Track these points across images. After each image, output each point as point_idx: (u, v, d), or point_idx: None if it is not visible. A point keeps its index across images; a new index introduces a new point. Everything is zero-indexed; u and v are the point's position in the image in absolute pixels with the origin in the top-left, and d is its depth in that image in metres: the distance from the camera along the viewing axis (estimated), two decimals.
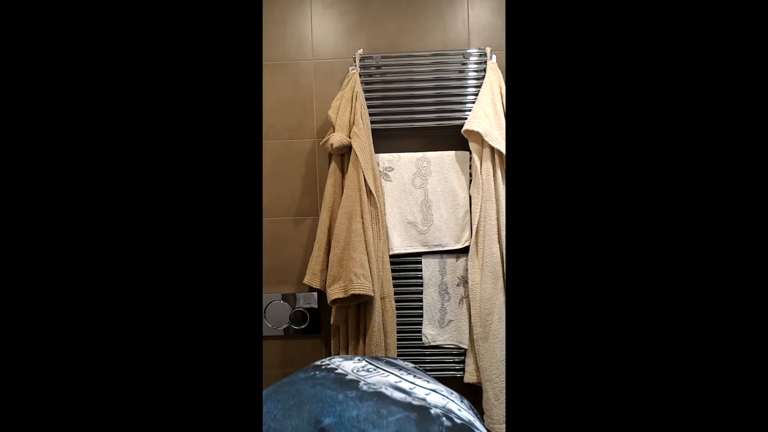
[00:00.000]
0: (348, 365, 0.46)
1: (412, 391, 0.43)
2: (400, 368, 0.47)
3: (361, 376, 0.44)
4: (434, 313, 1.36)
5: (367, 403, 0.40)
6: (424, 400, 0.42)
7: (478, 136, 1.27)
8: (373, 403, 0.40)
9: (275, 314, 1.41)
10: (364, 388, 0.42)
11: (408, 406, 0.40)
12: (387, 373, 0.45)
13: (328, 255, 1.29)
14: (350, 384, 0.43)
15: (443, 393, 0.44)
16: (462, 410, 0.42)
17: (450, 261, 1.35)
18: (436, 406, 0.41)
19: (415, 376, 0.46)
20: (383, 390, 0.42)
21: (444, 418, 0.40)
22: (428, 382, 0.46)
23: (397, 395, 0.42)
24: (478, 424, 0.42)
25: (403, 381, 0.44)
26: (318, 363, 0.49)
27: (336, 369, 0.46)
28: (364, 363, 0.47)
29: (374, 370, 0.46)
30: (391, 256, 1.34)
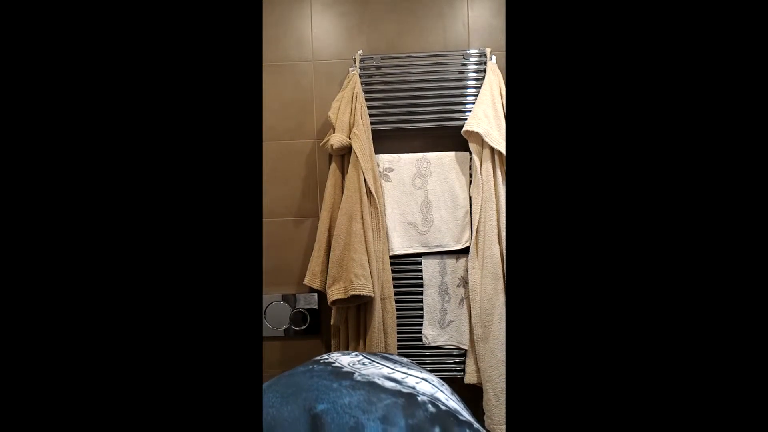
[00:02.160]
0: (345, 359, 0.48)
1: (404, 380, 0.45)
2: (395, 362, 0.49)
3: (357, 368, 0.46)
4: (434, 314, 1.36)
5: (359, 392, 0.42)
6: (413, 388, 0.44)
7: (478, 137, 1.27)
8: (364, 391, 0.43)
9: (275, 315, 1.41)
10: (358, 378, 0.44)
11: (397, 393, 0.43)
12: (381, 366, 0.47)
13: (329, 256, 1.29)
14: (345, 375, 0.45)
15: (434, 383, 0.46)
16: (449, 400, 0.44)
17: (450, 262, 1.35)
18: (423, 394, 0.43)
19: (408, 368, 0.48)
20: (375, 380, 0.44)
21: (430, 405, 0.42)
22: (421, 372, 0.48)
23: (388, 384, 0.44)
24: (464, 412, 0.44)
25: (396, 372, 0.46)
26: (317, 358, 0.51)
27: (333, 363, 0.48)
28: (360, 357, 0.49)
29: (369, 363, 0.48)
30: (392, 257, 1.34)
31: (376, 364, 0.48)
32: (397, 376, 0.46)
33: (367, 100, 1.33)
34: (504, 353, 1.27)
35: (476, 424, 0.44)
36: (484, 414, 1.28)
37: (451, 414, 0.43)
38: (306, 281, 1.32)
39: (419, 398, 0.43)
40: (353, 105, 1.29)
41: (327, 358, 0.50)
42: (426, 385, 0.45)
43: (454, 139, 1.34)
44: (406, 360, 0.53)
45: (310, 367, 0.48)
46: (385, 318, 1.29)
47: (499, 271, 1.27)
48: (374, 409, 0.41)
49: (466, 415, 0.44)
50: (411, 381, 0.45)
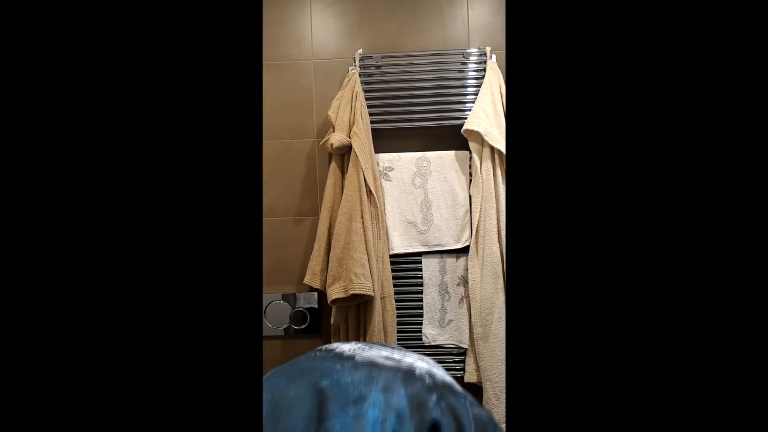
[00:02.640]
0: (345, 346, 0.52)
1: (402, 359, 0.49)
2: (393, 348, 0.53)
3: (357, 352, 0.50)
4: (434, 313, 1.36)
5: (360, 371, 0.45)
6: (411, 365, 0.47)
7: (478, 136, 1.27)
8: (365, 370, 0.46)
9: (275, 314, 1.41)
10: (359, 359, 0.48)
11: (395, 369, 0.46)
12: (380, 350, 0.51)
13: (329, 255, 1.30)
14: (347, 358, 0.48)
15: (429, 362, 0.50)
16: (444, 376, 0.48)
17: (450, 261, 1.35)
18: (420, 369, 0.47)
19: (406, 352, 0.52)
20: (375, 359, 0.48)
21: (427, 377, 0.46)
22: (417, 354, 0.52)
23: (388, 362, 0.47)
24: (458, 387, 0.48)
25: (395, 354, 0.50)
26: (319, 347, 0.55)
27: (335, 349, 0.51)
28: (360, 345, 0.53)
29: (369, 348, 0.51)
30: (391, 256, 1.34)
31: (375, 349, 0.51)
32: (396, 356, 0.49)
33: (367, 99, 1.32)
34: (504, 352, 1.27)
35: (470, 396, 0.46)
36: None
37: (447, 385, 0.46)
38: (306, 280, 1.32)
39: (417, 372, 0.46)
40: (353, 104, 1.29)
41: (328, 346, 0.53)
42: (422, 362, 0.49)
43: (454, 138, 1.34)
44: (403, 349, 0.57)
45: (313, 354, 0.51)
46: (385, 317, 1.30)
47: (498, 270, 1.27)
48: (375, 382, 0.44)
49: (459, 388, 0.48)
50: (409, 359, 0.48)
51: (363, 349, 0.51)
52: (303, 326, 1.41)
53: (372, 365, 0.47)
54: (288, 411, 0.43)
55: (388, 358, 0.49)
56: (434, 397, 0.44)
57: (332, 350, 0.51)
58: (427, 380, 0.45)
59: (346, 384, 0.44)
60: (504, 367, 1.27)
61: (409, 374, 0.46)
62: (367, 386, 0.44)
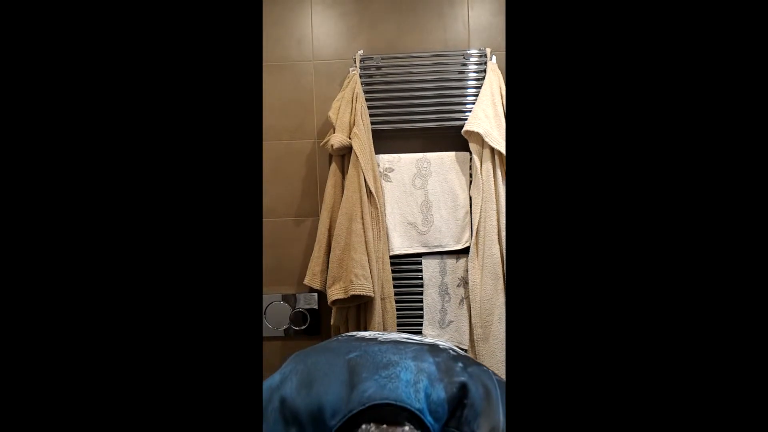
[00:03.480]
0: (365, 332, 0.57)
1: (423, 339, 0.53)
2: (410, 334, 0.59)
3: (377, 335, 0.54)
4: (434, 314, 1.36)
5: (386, 345, 0.50)
6: (433, 342, 0.53)
7: (479, 137, 1.27)
8: (391, 344, 0.50)
9: (275, 315, 1.41)
10: (382, 339, 0.52)
11: (420, 344, 0.51)
12: (399, 334, 0.56)
13: (329, 256, 1.30)
14: (369, 340, 0.52)
15: (448, 342, 0.55)
16: (464, 352, 0.54)
17: (450, 262, 1.35)
18: (444, 344, 0.52)
19: (423, 336, 0.59)
20: (398, 339, 0.52)
21: (451, 350, 0.51)
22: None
23: (411, 341, 0.52)
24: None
25: (414, 336, 0.55)
26: (339, 334, 0.60)
27: (355, 334, 0.55)
28: (377, 332, 0.57)
29: (388, 333, 0.56)
30: (392, 257, 1.34)
31: (394, 334, 0.55)
32: (416, 338, 0.54)
33: (367, 100, 1.32)
34: (504, 353, 1.27)
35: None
36: None
37: (469, 357, 0.51)
38: (306, 281, 1.32)
39: (441, 346, 0.51)
40: (353, 105, 1.29)
41: (348, 333, 0.57)
42: (443, 341, 0.54)
43: (454, 139, 1.34)
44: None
45: (335, 338, 0.56)
46: (385, 318, 1.29)
47: (499, 271, 1.27)
48: (404, 352, 0.48)
49: (478, 362, 0.53)
50: (429, 339, 0.53)
51: (382, 334, 0.55)
52: (303, 327, 1.41)
53: (396, 342, 0.51)
54: (321, 377, 0.46)
55: (409, 338, 0.53)
56: (460, 364, 0.48)
57: (353, 335, 0.55)
58: (452, 352, 0.50)
59: (375, 353, 0.48)
60: (504, 368, 1.27)
61: (434, 347, 0.50)
62: (397, 355, 0.47)
